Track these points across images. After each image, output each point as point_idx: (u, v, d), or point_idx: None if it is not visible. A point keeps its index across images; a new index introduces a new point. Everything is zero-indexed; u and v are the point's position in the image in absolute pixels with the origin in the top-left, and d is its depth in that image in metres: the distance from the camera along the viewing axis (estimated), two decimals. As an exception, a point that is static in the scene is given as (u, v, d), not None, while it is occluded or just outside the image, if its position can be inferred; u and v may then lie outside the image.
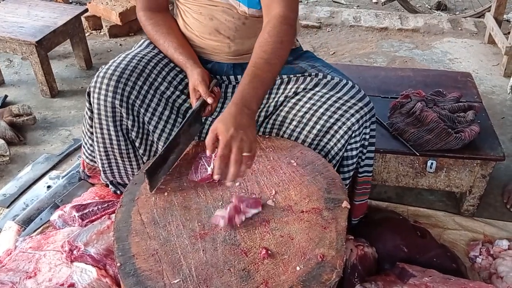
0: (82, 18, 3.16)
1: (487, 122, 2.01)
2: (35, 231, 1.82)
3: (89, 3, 3.54)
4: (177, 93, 1.61)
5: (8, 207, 2.05)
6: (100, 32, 3.61)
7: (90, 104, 1.55)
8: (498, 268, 1.69)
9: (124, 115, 1.52)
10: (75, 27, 2.93)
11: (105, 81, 1.49)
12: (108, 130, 1.55)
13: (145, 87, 1.53)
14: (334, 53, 3.38)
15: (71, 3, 3.82)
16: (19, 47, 2.68)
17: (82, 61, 3.10)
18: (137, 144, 1.59)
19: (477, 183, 1.94)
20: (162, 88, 1.57)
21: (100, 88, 1.49)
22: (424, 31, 3.63)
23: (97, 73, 1.53)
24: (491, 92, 2.91)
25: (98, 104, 1.50)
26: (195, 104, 1.50)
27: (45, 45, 2.71)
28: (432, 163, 1.90)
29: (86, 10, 3.13)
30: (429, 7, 4.44)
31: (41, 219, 1.89)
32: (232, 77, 1.65)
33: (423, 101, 1.97)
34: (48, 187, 2.12)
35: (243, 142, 1.18)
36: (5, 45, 2.72)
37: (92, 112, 1.55)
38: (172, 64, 1.62)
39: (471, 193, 1.97)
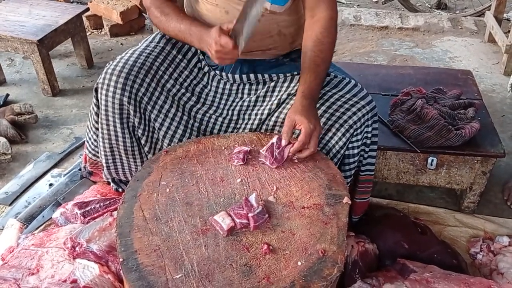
0: (83, 17, 3.17)
1: (488, 119, 2.02)
2: (37, 228, 1.83)
3: (90, 2, 3.54)
4: (183, 90, 1.60)
5: (10, 205, 2.06)
6: (101, 31, 3.62)
7: (97, 100, 1.55)
8: (498, 265, 1.70)
9: (132, 112, 1.52)
10: (76, 26, 2.94)
11: (114, 78, 1.49)
12: (115, 126, 1.55)
13: (153, 84, 1.54)
14: (334, 51, 3.37)
15: (72, 2, 3.83)
16: (21, 46, 2.69)
17: (83, 60, 3.11)
18: (143, 142, 1.60)
19: (477, 180, 1.94)
20: (168, 85, 1.57)
21: (108, 85, 1.49)
22: (424, 30, 3.63)
23: (105, 69, 1.53)
24: (491, 90, 2.91)
25: (106, 100, 1.51)
26: (225, 39, 1.36)
27: (46, 44, 2.71)
28: (432, 160, 1.90)
29: (87, 9, 3.14)
30: (429, 6, 4.44)
31: (43, 216, 1.90)
32: (237, 76, 1.62)
33: (424, 99, 1.98)
34: (50, 185, 2.13)
35: (319, 136, 1.41)
36: (7, 44, 2.73)
37: (98, 108, 1.55)
38: (178, 60, 1.61)
39: (471, 190, 1.98)
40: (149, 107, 1.54)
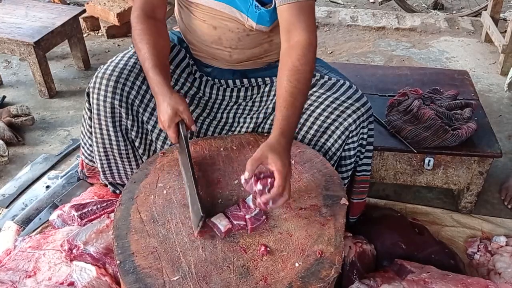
0: (80, 19, 3.16)
1: (484, 119, 2.02)
2: (34, 230, 1.82)
3: (87, 4, 3.54)
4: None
5: (7, 207, 2.05)
6: (98, 32, 3.61)
7: (89, 104, 1.55)
8: (496, 264, 1.70)
9: (124, 115, 1.52)
10: (73, 28, 2.94)
11: (104, 81, 1.49)
12: (108, 130, 1.55)
13: (144, 87, 1.53)
14: (331, 52, 3.39)
15: (69, 4, 3.82)
16: (17, 48, 2.69)
17: (80, 62, 3.10)
18: (136, 144, 1.59)
19: (474, 180, 1.94)
20: None
21: (99, 89, 1.49)
22: (421, 30, 3.64)
23: (95, 74, 1.53)
24: (488, 90, 2.92)
25: (98, 104, 1.50)
26: (173, 131, 1.40)
27: (43, 46, 2.71)
28: (429, 160, 1.91)
29: (84, 11, 3.13)
30: (426, 6, 4.45)
31: (40, 219, 1.89)
32: (230, 81, 1.62)
33: (420, 99, 1.98)
34: (47, 187, 2.12)
35: (290, 177, 1.23)
36: (3, 46, 2.72)
37: (91, 112, 1.55)
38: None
39: (468, 190, 1.98)
40: (141, 110, 1.54)
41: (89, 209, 1.74)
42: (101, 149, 1.61)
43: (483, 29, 3.46)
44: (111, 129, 1.54)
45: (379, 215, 1.88)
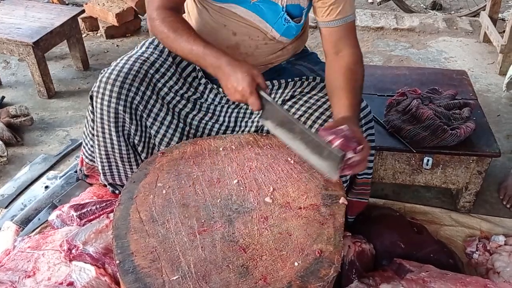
0: (79, 19, 3.16)
1: (483, 119, 2.02)
2: (33, 231, 1.82)
3: (86, 4, 3.54)
4: (177, 98, 1.59)
5: (6, 207, 2.05)
6: (97, 33, 3.61)
7: (93, 107, 1.54)
8: (495, 264, 1.70)
9: (128, 120, 1.51)
10: (71, 28, 2.93)
11: (108, 86, 1.47)
12: (110, 135, 1.54)
13: (148, 92, 1.52)
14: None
15: (67, 4, 3.83)
16: (16, 48, 2.68)
17: (79, 62, 3.10)
18: (139, 149, 1.59)
19: (473, 179, 1.95)
20: (162, 93, 1.56)
21: (103, 94, 1.48)
22: (419, 31, 3.64)
23: (99, 78, 1.51)
24: (486, 90, 2.93)
25: (101, 109, 1.49)
26: (256, 97, 1.33)
27: (42, 46, 2.71)
28: (428, 160, 1.91)
29: (83, 11, 3.13)
30: (424, 6, 4.46)
31: (39, 219, 1.89)
32: None
33: (419, 99, 1.98)
34: (46, 187, 2.12)
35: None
36: (2, 46, 2.72)
37: (94, 115, 1.54)
38: (174, 68, 1.59)
39: (467, 190, 1.98)
40: (145, 115, 1.53)
41: (88, 209, 1.74)
42: (103, 152, 1.60)
43: (482, 29, 3.46)
44: (113, 133, 1.54)
45: (378, 214, 1.88)
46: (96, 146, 1.60)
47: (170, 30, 1.40)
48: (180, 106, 1.59)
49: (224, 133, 1.63)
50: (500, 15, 3.57)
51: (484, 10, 3.46)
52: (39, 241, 1.65)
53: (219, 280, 1.11)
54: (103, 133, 1.55)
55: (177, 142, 1.57)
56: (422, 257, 1.65)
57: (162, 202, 1.31)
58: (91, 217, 1.72)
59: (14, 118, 2.49)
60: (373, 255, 1.69)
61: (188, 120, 1.61)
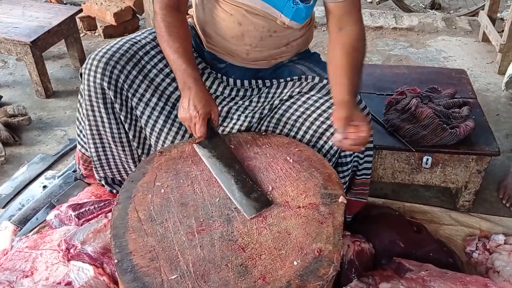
0: (77, 19, 3.15)
1: (482, 118, 2.02)
2: (31, 231, 1.81)
3: (84, 3, 3.53)
4: (168, 80, 1.58)
5: (4, 207, 2.04)
6: (95, 32, 3.60)
7: (83, 85, 1.57)
8: (494, 263, 1.70)
9: (112, 98, 1.53)
10: (69, 28, 2.92)
11: (95, 62, 1.51)
12: (100, 112, 1.56)
13: (134, 72, 1.54)
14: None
15: (65, 3, 3.81)
16: (14, 48, 2.67)
17: (77, 62, 3.09)
18: (126, 127, 1.59)
19: (472, 178, 1.94)
20: (151, 75, 1.57)
21: (90, 70, 1.51)
22: (418, 30, 3.64)
23: (89, 55, 1.55)
24: (485, 90, 2.92)
25: (88, 85, 1.52)
26: (204, 126, 1.43)
27: (39, 46, 2.70)
28: (427, 159, 1.90)
29: (81, 11, 3.12)
30: (423, 6, 4.46)
31: (37, 219, 1.88)
32: (238, 82, 1.63)
33: (418, 98, 1.98)
34: (44, 187, 2.11)
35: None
36: (0, 45, 2.71)
37: (83, 93, 1.57)
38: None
39: (466, 189, 1.98)
40: (130, 94, 1.54)
41: (87, 209, 1.73)
42: (95, 132, 1.61)
43: (481, 28, 3.46)
44: (102, 110, 1.55)
45: (377, 213, 1.88)
46: (88, 128, 1.61)
47: (166, 32, 1.47)
48: (170, 89, 1.59)
49: None
50: (499, 14, 3.57)
51: (483, 9, 3.46)
52: (37, 241, 1.64)
53: (217, 279, 1.11)
54: (93, 111, 1.56)
55: (163, 126, 1.57)
56: (422, 256, 1.64)
57: (161, 202, 1.31)
58: (89, 217, 1.71)
59: (12, 118, 2.48)
60: (373, 254, 1.69)
61: (178, 104, 1.58)
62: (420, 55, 3.33)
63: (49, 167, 2.27)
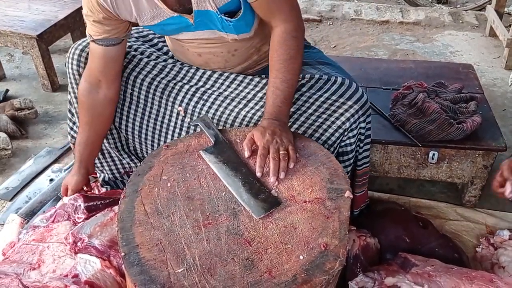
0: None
1: (489, 113, 2.01)
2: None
3: (90, -3, 3.53)
4: (158, 53, 1.67)
5: (11, 200, 2.06)
6: (101, 26, 3.60)
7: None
8: (500, 258, 1.70)
9: None
10: (76, 21, 2.93)
11: (72, 50, 1.64)
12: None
13: None
14: (335, 46, 3.38)
15: (71, -3, 3.81)
16: (20, 41, 2.68)
17: (83, 55, 3.10)
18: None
19: (478, 173, 1.94)
20: (129, 56, 1.62)
21: (68, 57, 1.65)
22: (425, 24, 3.62)
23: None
24: (492, 85, 2.91)
25: (68, 73, 1.65)
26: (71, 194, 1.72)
27: (46, 39, 2.70)
28: (434, 154, 1.90)
29: (87, 4, 3.12)
30: (430, 0, 4.43)
31: (44, 212, 1.89)
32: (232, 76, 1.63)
33: (425, 92, 1.97)
34: (51, 180, 2.13)
35: (278, 144, 1.34)
36: (6, 39, 2.72)
37: (69, 81, 1.68)
38: (147, 45, 1.69)
39: (472, 184, 1.97)
40: None
41: (96, 203, 1.73)
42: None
43: (488, 23, 3.44)
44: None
45: (383, 208, 1.88)
46: (75, 114, 1.70)
47: (79, 110, 1.66)
48: (150, 75, 1.62)
49: (193, 95, 1.61)
50: (506, 9, 3.55)
51: (490, 3, 3.44)
52: (44, 234, 1.65)
53: (224, 273, 1.11)
54: (76, 97, 1.66)
55: (128, 112, 1.68)
56: (427, 252, 1.64)
57: (167, 195, 1.31)
58: (97, 211, 1.71)
59: (19, 111, 2.49)
60: (378, 249, 1.69)
61: (153, 86, 1.62)
62: (426, 49, 3.31)
63: (55, 160, 2.29)
